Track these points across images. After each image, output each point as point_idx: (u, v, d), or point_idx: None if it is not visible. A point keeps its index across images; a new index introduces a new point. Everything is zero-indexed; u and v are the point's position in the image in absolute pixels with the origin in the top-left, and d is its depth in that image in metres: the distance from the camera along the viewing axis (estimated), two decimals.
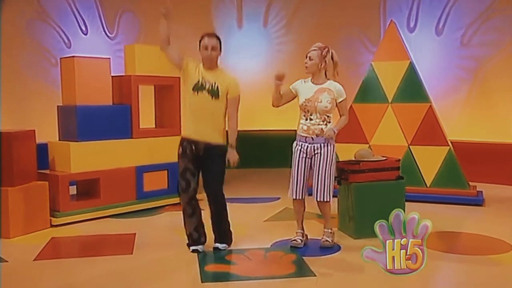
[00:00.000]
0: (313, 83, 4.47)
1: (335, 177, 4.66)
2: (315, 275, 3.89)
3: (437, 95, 7.81)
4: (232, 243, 4.61)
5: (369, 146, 6.60)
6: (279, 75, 4.32)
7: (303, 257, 4.31)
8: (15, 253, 4.48)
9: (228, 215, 4.55)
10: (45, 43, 8.66)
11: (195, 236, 4.45)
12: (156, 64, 6.29)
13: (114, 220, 5.67)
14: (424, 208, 5.74)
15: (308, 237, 4.74)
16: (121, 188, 5.92)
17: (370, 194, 4.81)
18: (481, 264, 4.18)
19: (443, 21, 8.73)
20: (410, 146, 6.55)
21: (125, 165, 5.99)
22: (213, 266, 4.15)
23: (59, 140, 5.88)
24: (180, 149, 4.34)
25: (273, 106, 4.54)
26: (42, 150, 5.76)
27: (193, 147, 4.28)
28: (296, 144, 4.51)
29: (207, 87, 4.26)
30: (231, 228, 4.60)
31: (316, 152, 4.42)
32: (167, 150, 6.27)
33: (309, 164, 4.48)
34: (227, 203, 4.52)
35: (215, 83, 4.28)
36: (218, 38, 4.34)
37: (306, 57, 4.45)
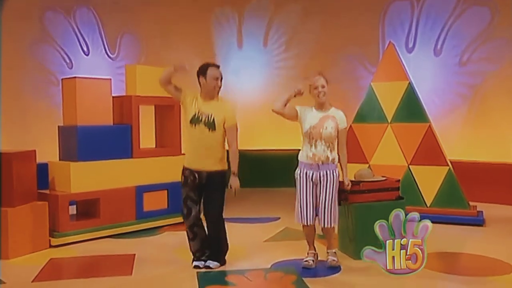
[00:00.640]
0: (317, 110, 4.55)
1: None
2: None
3: (436, 115, 7.86)
4: (232, 263, 4.63)
5: (369, 166, 6.61)
6: (300, 90, 4.42)
7: (303, 278, 4.28)
8: (14, 274, 4.46)
9: (227, 237, 4.65)
10: (46, 63, 8.73)
11: (198, 254, 4.59)
12: (157, 84, 6.30)
13: (113, 240, 5.66)
14: None
15: (318, 257, 4.73)
16: (121, 208, 5.91)
17: (370, 214, 4.78)
18: (482, 286, 4.15)
19: (441, 42, 8.81)
20: (410, 166, 6.56)
21: (125, 185, 5.99)
22: None
23: (60, 160, 5.89)
24: (183, 178, 4.51)
25: (273, 109, 4.51)
26: (42, 170, 5.77)
27: (196, 176, 4.44)
28: (300, 171, 4.55)
29: (203, 119, 4.38)
30: (228, 249, 4.68)
31: (322, 179, 4.48)
32: (167, 170, 6.31)
33: (315, 190, 4.53)
34: (225, 223, 4.61)
35: (211, 115, 4.39)
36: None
37: (317, 87, 4.48)
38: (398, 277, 3.96)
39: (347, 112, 4.74)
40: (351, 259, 4.80)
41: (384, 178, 5.09)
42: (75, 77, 5.84)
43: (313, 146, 4.47)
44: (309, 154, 4.48)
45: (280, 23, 10.17)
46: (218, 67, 4.49)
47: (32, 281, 4.27)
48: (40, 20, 8.67)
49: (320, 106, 4.55)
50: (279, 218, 6.68)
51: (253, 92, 9.89)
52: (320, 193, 4.50)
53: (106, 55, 9.43)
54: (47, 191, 5.67)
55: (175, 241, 5.54)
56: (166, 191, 6.35)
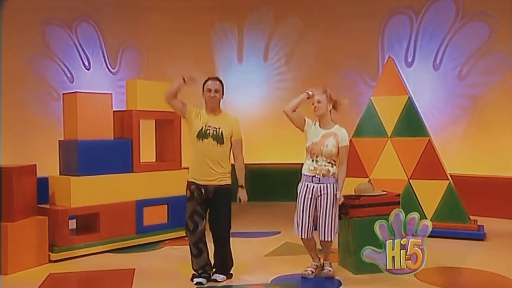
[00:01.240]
0: (320, 127, 4.62)
1: None
2: None
3: (436, 129, 7.88)
4: (232, 278, 4.61)
5: (369, 180, 6.60)
6: (309, 93, 4.55)
7: None
8: None
9: (231, 250, 4.63)
10: (48, 78, 8.78)
11: (200, 272, 4.53)
12: (157, 99, 6.33)
13: (113, 255, 5.63)
14: None
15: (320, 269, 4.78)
16: (121, 222, 5.90)
17: (371, 229, 4.78)
18: None
19: (440, 56, 8.87)
20: (410, 180, 6.55)
21: (125, 199, 5.99)
22: None
23: (60, 174, 5.89)
24: (188, 193, 4.47)
25: (284, 109, 4.58)
26: (43, 184, 5.76)
27: (203, 191, 4.40)
28: (302, 185, 4.62)
29: (211, 133, 4.38)
30: (233, 263, 4.67)
31: (322, 192, 4.53)
32: (167, 184, 6.31)
33: (314, 204, 4.58)
34: None
35: (219, 128, 4.40)
36: (221, 82, 4.50)
37: (313, 102, 4.57)
38: None
39: (347, 126, 4.77)
40: (351, 273, 4.78)
41: (384, 193, 5.09)
42: (76, 92, 5.87)
43: (314, 161, 4.56)
44: (310, 167, 4.57)
45: (280, 37, 10.24)
46: (214, 79, 4.48)
47: None
48: (42, 34, 8.73)
49: (323, 123, 4.61)
50: (280, 232, 6.66)
51: (253, 106, 9.92)
52: (320, 206, 4.54)
53: (107, 69, 9.48)
54: (47, 206, 5.66)
55: (175, 256, 5.53)
56: (166, 206, 6.34)
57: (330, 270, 4.69)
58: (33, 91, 8.52)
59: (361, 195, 4.95)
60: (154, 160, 6.84)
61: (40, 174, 5.53)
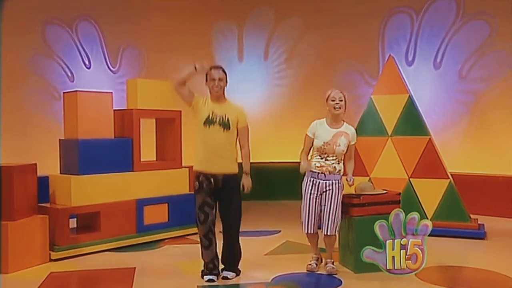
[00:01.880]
0: (329, 126, 4.66)
1: None
2: None
3: (436, 128, 7.88)
4: (240, 274, 4.67)
5: (370, 179, 6.60)
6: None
7: None
8: None
9: (241, 247, 4.67)
10: (48, 77, 8.76)
11: (211, 266, 4.54)
12: (158, 98, 6.43)
13: (114, 254, 5.63)
14: None
15: (323, 261, 4.86)
16: (122, 221, 5.90)
17: (371, 227, 4.78)
18: None
19: (441, 55, 8.87)
20: (411, 179, 6.55)
21: (125, 198, 5.99)
22: None
23: (60, 173, 5.89)
24: (197, 184, 4.45)
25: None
26: (43, 183, 5.76)
27: (212, 181, 4.40)
28: (308, 180, 4.67)
29: (217, 120, 4.40)
30: (241, 257, 4.71)
31: (327, 188, 4.61)
32: (168, 183, 6.32)
33: (319, 200, 4.65)
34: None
35: (225, 115, 4.42)
36: (224, 71, 4.52)
37: (334, 99, 4.61)
38: None
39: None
40: (352, 272, 4.78)
41: (384, 191, 5.09)
42: (76, 91, 5.86)
43: (324, 159, 4.62)
44: (317, 164, 4.63)
45: (280, 36, 10.25)
46: (217, 67, 4.49)
47: None
48: (42, 34, 8.71)
49: (334, 121, 4.66)
50: (280, 231, 6.65)
51: (253, 105, 9.91)
52: (325, 201, 4.62)
53: (107, 68, 9.48)
54: (47, 205, 5.66)
55: (176, 255, 5.53)
56: (166, 204, 6.34)
57: (333, 268, 4.73)
58: (34, 90, 8.50)
59: (362, 193, 4.95)
60: (155, 159, 6.84)
61: (40, 173, 5.52)
